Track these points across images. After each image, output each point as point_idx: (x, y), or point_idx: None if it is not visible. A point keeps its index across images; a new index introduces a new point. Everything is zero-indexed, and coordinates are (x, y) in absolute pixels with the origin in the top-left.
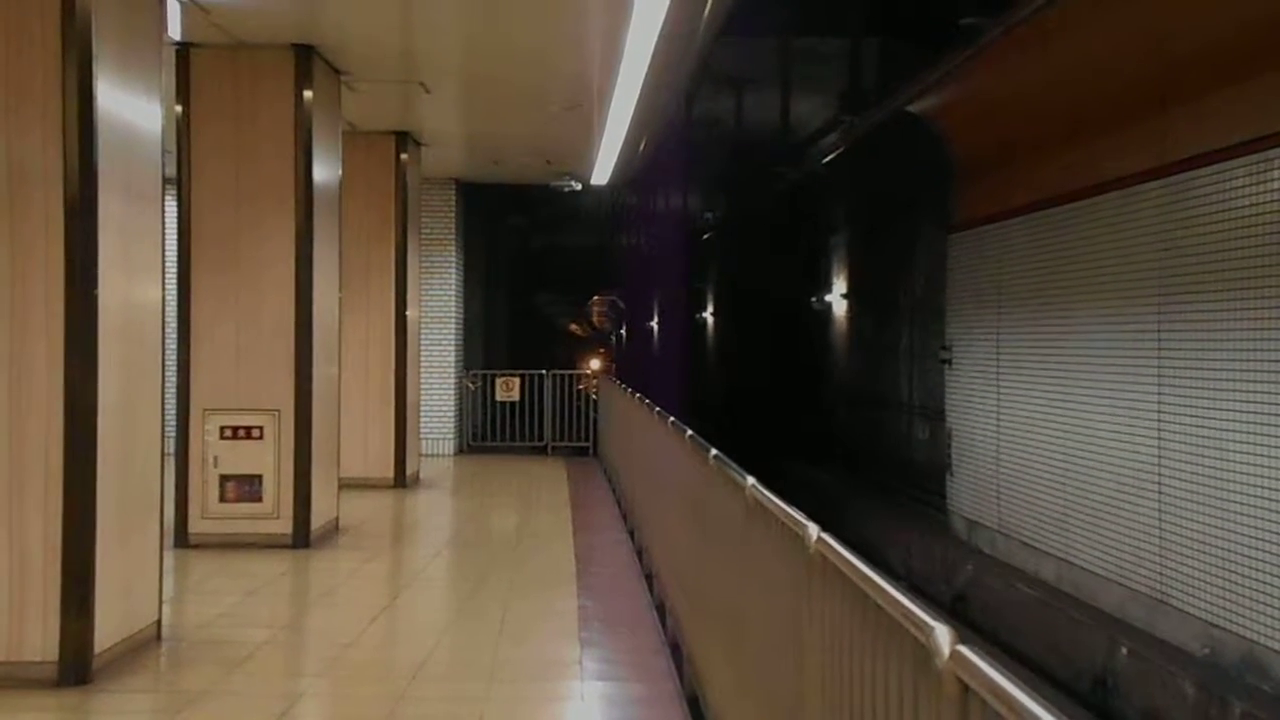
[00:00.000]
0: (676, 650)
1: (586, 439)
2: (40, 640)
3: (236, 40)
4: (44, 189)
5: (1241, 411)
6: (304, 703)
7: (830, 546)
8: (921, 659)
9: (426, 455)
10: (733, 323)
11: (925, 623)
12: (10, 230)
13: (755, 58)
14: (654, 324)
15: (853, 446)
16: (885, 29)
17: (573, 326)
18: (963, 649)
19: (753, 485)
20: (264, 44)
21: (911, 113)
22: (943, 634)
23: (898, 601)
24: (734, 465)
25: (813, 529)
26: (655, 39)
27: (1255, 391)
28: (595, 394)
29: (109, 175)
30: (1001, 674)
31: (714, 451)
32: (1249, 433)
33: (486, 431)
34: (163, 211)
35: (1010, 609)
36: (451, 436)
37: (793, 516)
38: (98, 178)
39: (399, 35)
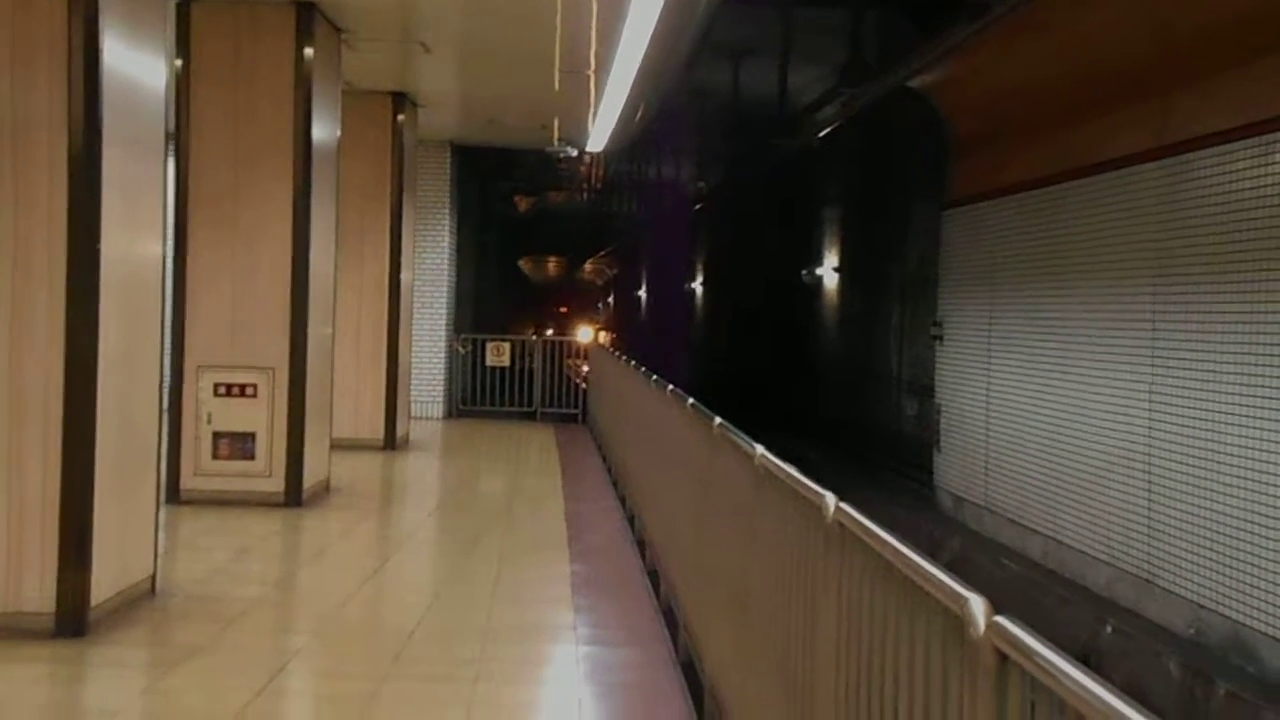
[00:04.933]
0: (670, 615)
1: (575, 405)
2: (38, 592)
3: None
4: (48, 142)
5: (1234, 391)
6: (299, 660)
7: (851, 516)
8: (953, 629)
9: (415, 418)
10: (722, 294)
11: (959, 593)
12: (14, 183)
13: (755, 27)
14: (642, 293)
15: (839, 420)
16: (886, 2)
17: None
18: (1001, 619)
19: (762, 454)
20: (264, 0)
21: (910, 88)
22: (978, 604)
23: (927, 572)
24: (741, 434)
25: (830, 499)
26: (660, 3)
27: (1248, 371)
28: (581, 378)
29: (113, 129)
30: (1043, 644)
31: (718, 420)
32: (1241, 413)
33: (475, 396)
34: (164, 167)
35: (995, 585)
36: (440, 400)
37: (809, 486)
38: (102, 132)
39: None
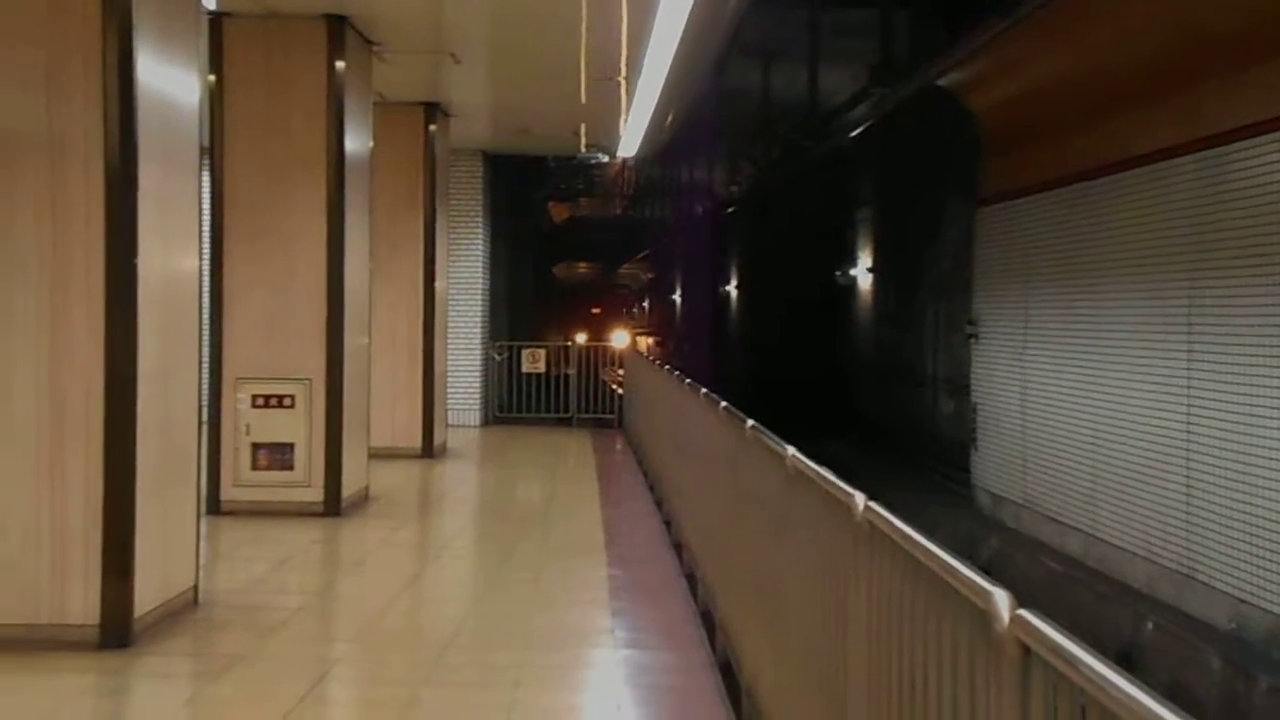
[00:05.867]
0: (707, 619)
1: (611, 411)
2: (82, 604)
3: (269, 9)
4: (84, 157)
5: (1272, 384)
6: (340, 668)
7: (879, 515)
8: (979, 623)
9: (452, 426)
10: (756, 296)
11: (983, 588)
12: (51, 199)
13: (783, 29)
14: (678, 296)
15: (876, 420)
16: (915, 1)
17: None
18: (1024, 613)
19: (794, 455)
20: (296, 14)
21: (941, 86)
22: (1002, 598)
23: (953, 567)
24: (772, 435)
25: (860, 498)
26: (689, 7)
27: None
28: (617, 383)
29: (148, 144)
30: (1066, 636)
31: (750, 422)
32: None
33: (511, 402)
34: (199, 181)
35: (1035, 583)
36: (477, 407)
37: (838, 485)
38: (137, 146)
39: (430, 5)
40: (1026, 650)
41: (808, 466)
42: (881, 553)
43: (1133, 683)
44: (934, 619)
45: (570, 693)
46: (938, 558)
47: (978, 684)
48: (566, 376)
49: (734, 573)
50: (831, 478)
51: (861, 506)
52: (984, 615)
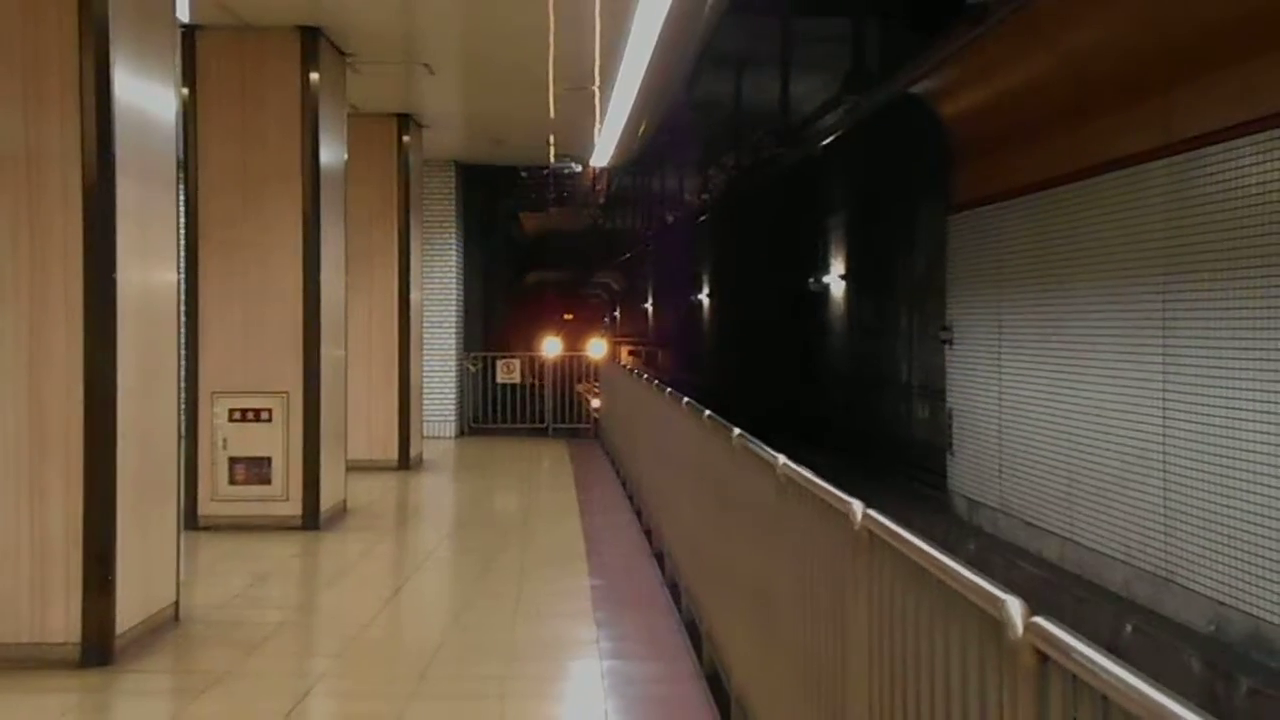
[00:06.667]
0: (692, 628)
1: (587, 420)
2: (63, 621)
3: (242, 22)
4: (62, 172)
5: (1247, 385)
6: (324, 684)
7: (879, 522)
8: (990, 632)
9: (428, 438)
10: (728, 304)
11: (995, 595)
12: (29, 214)
13: (756, 37)
14: (649, 305)
15: (851, 427)
16: (888, 9)
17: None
18: (1039, 620)
19: (785, 464)
20: (270, 25)
21: (912, 94)
22: (1015, 605)
23: (961, 575)
24: (761, 444)
25: (857, 506)
26: (662, 18)
27: (1260, 364)
28: (593, 396)
29: (125, 159)
30: (1083, 642)
31: (738, 431)
32: (1254, 407)
33: (487, 413)
34: (176, 195)
35: (1013, 587)
36: (453, 419)
37: (834, 494)
38: (115, 161)
39: (404, 16)
40: (1043, 658)
41: (800, 475)
42: (882, 561)
43: (1158, 689)
44: (941, 628)
45: (556, 704)
46: (944, 565)
47: (989, 694)
48: (541, 386)
49: (721, 582)
50: (826, 486)
51: (860, 515)
52: (996, 623)
